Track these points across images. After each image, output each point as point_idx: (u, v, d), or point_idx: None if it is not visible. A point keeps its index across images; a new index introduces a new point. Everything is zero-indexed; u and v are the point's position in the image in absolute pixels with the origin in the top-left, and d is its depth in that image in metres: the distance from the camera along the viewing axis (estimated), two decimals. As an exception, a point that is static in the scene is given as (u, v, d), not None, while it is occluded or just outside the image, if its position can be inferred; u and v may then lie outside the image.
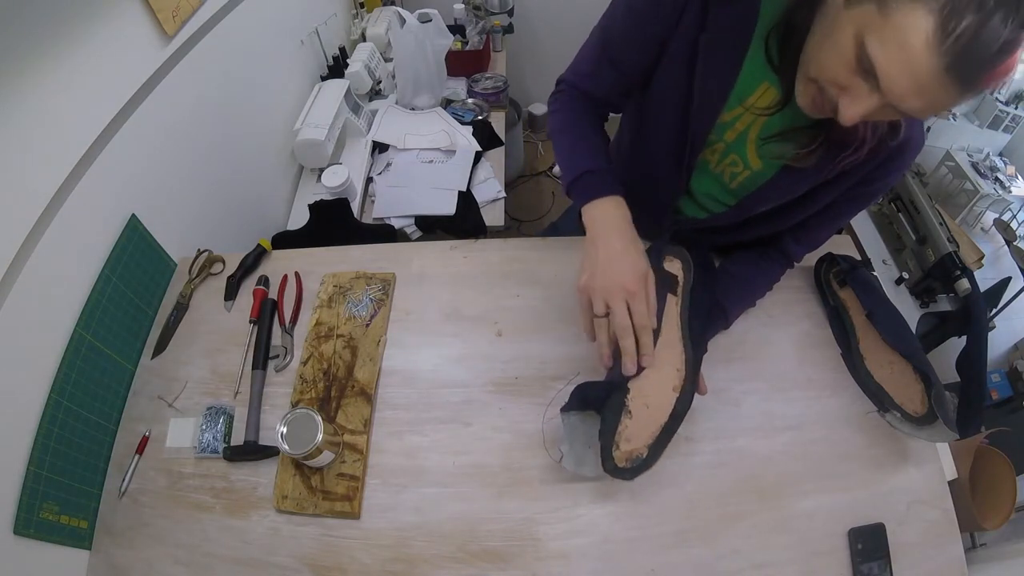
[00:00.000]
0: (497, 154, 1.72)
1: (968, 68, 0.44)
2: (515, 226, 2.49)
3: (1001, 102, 2.25)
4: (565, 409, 0.71)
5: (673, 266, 0.81)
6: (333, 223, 1.42)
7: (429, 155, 1.65)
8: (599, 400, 0.70)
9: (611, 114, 0.88)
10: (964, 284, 1.45)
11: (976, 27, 0.42)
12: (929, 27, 0.43)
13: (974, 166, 2.20)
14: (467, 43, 2.02)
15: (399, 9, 1.76)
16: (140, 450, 0.82)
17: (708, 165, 0.81)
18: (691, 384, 0.72)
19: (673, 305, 0.78)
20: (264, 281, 0.99)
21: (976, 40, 0.42)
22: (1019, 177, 2.26)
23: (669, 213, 0.90)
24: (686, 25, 0.67)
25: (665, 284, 0.78)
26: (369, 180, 1.60)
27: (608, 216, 0.72)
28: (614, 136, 0.97)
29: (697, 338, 0.76)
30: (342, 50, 1.83)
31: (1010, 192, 2.18)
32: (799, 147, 0.68)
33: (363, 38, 1.95)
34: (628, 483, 0.77)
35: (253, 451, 0.81)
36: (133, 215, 0.93)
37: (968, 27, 0.42)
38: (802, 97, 0.59)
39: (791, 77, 0.62)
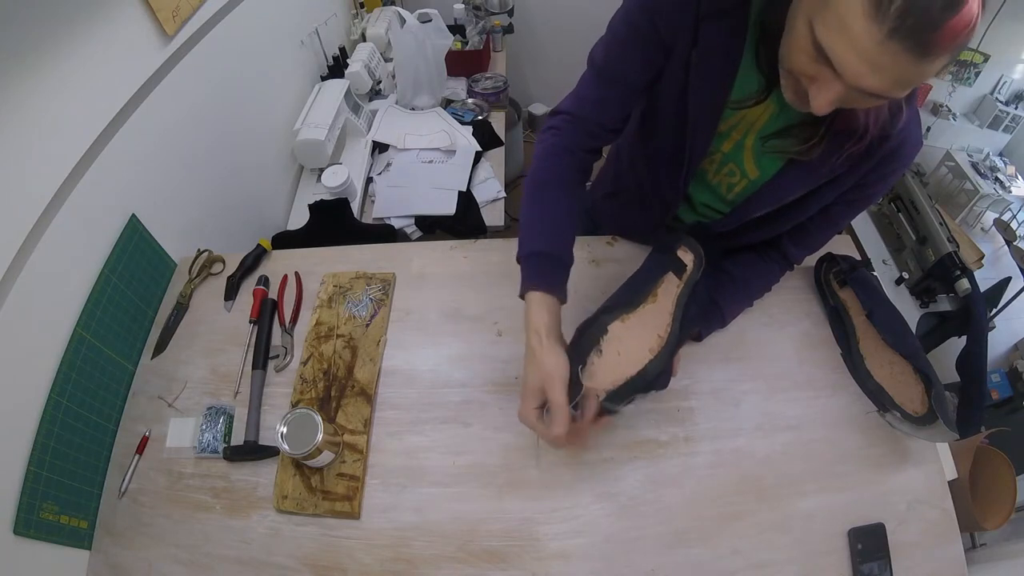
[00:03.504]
0: (497, 154, 1.72)
1: (914, 31, 0.44)
2: (515, 226, 2.48)
3: (1001, 102, 2.25)
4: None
5: (685, 256, 0.80)
6: (333, 223, 1.42)
7: (429, 155, 1.65)
8: (575, 339, 0.70)
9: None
10: (964, 284, 1.45)
11: None
12: (864, 1, 0.44)
13: (974, 166, 2.19)
14: (467, 43, 2.02)
15: (399, 9, 1.76)
16: (140, 450, 0.82)
17: (706, 175, 0.81)
18: (668, 353, 0.71)
19: (674, 286, 0.77)
20: (264, 281, 0.99)
21: (912, 2, 0.43)
22: (1019, 177, 2.25)
23: (667, 220, 0.90)
24: (682, 41, 0.67)
25: (672, 267, 0.78)
26: (369, 180, 1.60)
27: (535, 315, 0.67)
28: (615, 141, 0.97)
29: (688, 322, 0.76)
30: (342, 50, 1.83)
31: (1010, 192, 2.17)
32: (800, 142, 0.68)
33: (363, 38, 1.95)
34: (627, 484, 0.77)
35: (253, 451, 0.81)
36: (133, 215, 0.93)
37: None
38: (786, 91, 0.60)
39: (772, 73, 0.63)
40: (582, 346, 0.69)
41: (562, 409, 0.63)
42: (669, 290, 0.77)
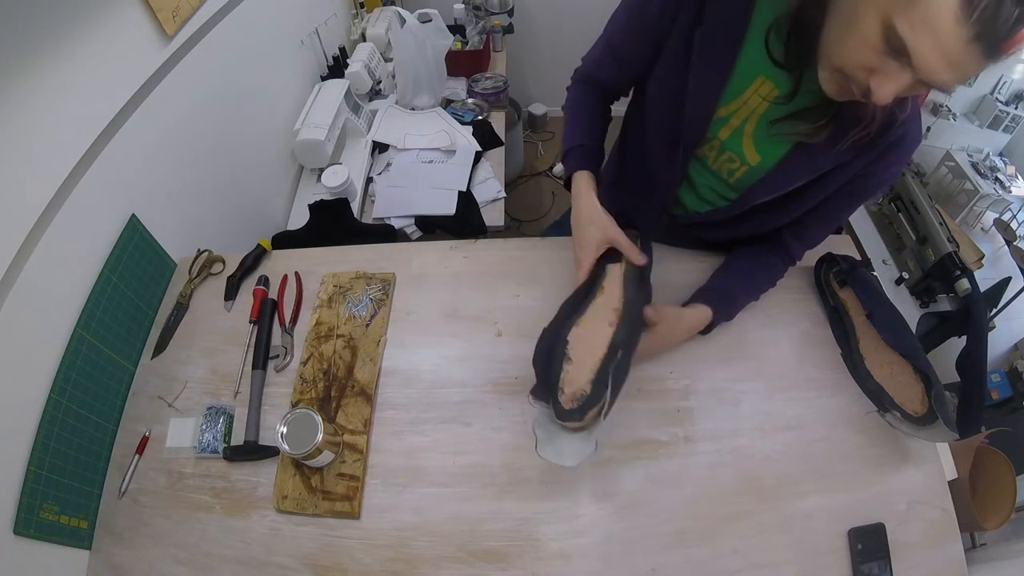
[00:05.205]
0: (497, 154, 1.72)
1: (992, 38, 0.47)
2: (515, 226, 2.49)
3: (1001, 102, 2.25)
4: (532, 391, 0.71)
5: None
6: (333, 223, 1.42)
7: (429, 155, 1.65)
8: (544, 366, 0.71)
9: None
10: (964, 284, 1.45)
11: (996, 1, 0.46)
12: (955, 4, 0.47)
13: (974, 166, 2.19)
14: (467, 43, 2.02)
15: (399, 9, 1.76)
16: (140, 450, 0.82)
17: (706, 161, 0.82)
18: (629, 316, 0.73)
19: (618, 270, 0.81)
20: (264, 281, 0.99)
21: (998, 11, 0.46)
22: (1019, 177, 2.25)
23: (668, 205, 0.91)
24: (683, 19, 0.70)
25: (610, 259, 0.82)
26: (369, 180, 1.60)
27: (577, 188, 0.86)
28: (617, 133, 0.99)
29: (640, 287, 0.79)
30: (342, 50, 1.83)
31: (1010, 192, 2.17)
32: (809, 125, 0.70)
33: (363, 38, 1.95)
34: (627, 484, 0.77)
35: (253, 451, 0.81)
36: (133, 215, 0.93)
37: (990, 2, 0.46)
38: (828, 85, 0.61)
39: (801, 69, 0.65)
40: (551, 373, 0.69)
41: (627, 241, 0.80)
42: (613, 275, 0.80)
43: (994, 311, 1.70)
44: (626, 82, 0.88)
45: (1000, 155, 2.32)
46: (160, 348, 0.92)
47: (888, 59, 0.53)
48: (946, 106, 2.28)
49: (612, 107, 0.96)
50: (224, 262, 1.03)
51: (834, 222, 0.87)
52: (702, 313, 0.84)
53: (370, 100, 1.83)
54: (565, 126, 0.93)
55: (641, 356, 0.78)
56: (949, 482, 0.79)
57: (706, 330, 0.87)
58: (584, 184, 0.85)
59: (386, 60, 1.91)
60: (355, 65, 1.74)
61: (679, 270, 0.96)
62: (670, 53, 0.74)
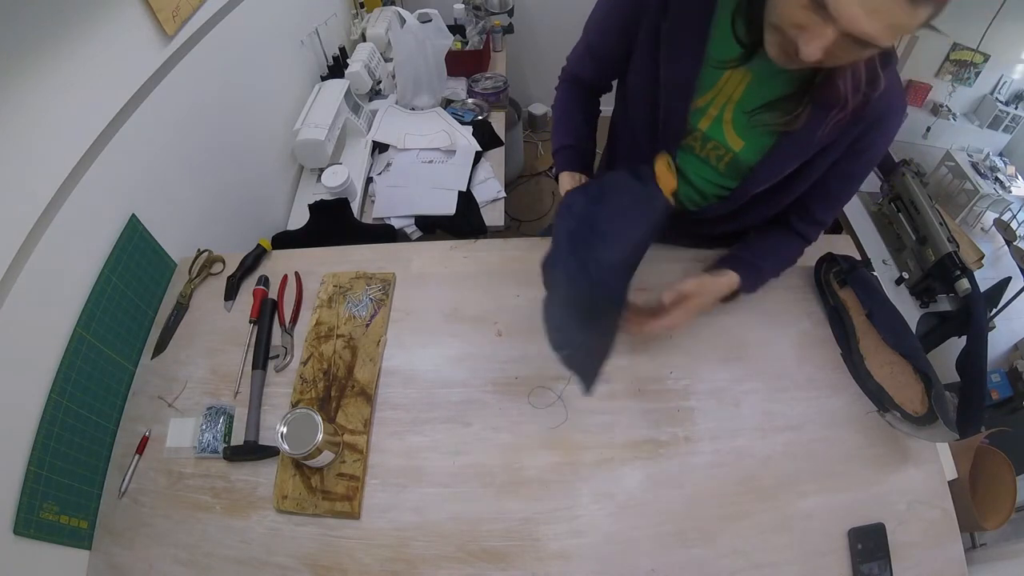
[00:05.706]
0: (497, 154, 1.72)
1: None
2: (515, 226, 2.49)
3: (1001, 102, 2.25)
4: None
5: None
6: (333, 223, 1.42)
7: (429, 155, 1.65)
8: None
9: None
10: (964, 284, 1.44)
11: None
12: None
13: (974, 166, 2.19)
14: (467, 43, 2.02)
15: (399, 9, 1.76)
16: (140, 450, 0.82)
17: (693, 150, 0.83)
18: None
19: None
20: (264, 281, 0.99)
21: None
22: (1019, 177, 2.25)
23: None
24: (650, 14, 0.71)
25: None
26: (369, 180, 1.60)
27: (563, 186, 0.89)
28: (608, 130, 1.00)
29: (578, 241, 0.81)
30: (342, 50, 1.83)
31: (1010, 192, 2.17)
32: (785, 114, 0.71)
33: (363, 38, 1.95)
34: (627, 484, 0.78)
35: (253, 451, 0.81)
36: (133, 215, 0.93)
37: None
38: (771, 48, 0.62)
39: (752, 39, 0.65)
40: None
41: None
42: None
43: (994, 311, 1.70)
44: (606, 79, 0.91)
45: (1000, 155, 2.32)
46: (160, 348, 0.92)
47: (813, 14, 0.53)
48: (946, 106, 2.28)
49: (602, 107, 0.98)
50: (224, 262, 1.03)
51: (837, 202, 0.87)
52: (727, 278, 0.84)
53: (370, 100, 1.83)
54: (553, 126, 0.97)
55: (677, 326, 0.81)
56: (949, 482, 0.79)
57: (729, 297, 0.86)
58: (567, 182, 0.89)
59: (386, 60, 1.91)
60: (355, 65, 1.74)
61: (677, 269, 0.96)
62: (641, 49, 0.76)
